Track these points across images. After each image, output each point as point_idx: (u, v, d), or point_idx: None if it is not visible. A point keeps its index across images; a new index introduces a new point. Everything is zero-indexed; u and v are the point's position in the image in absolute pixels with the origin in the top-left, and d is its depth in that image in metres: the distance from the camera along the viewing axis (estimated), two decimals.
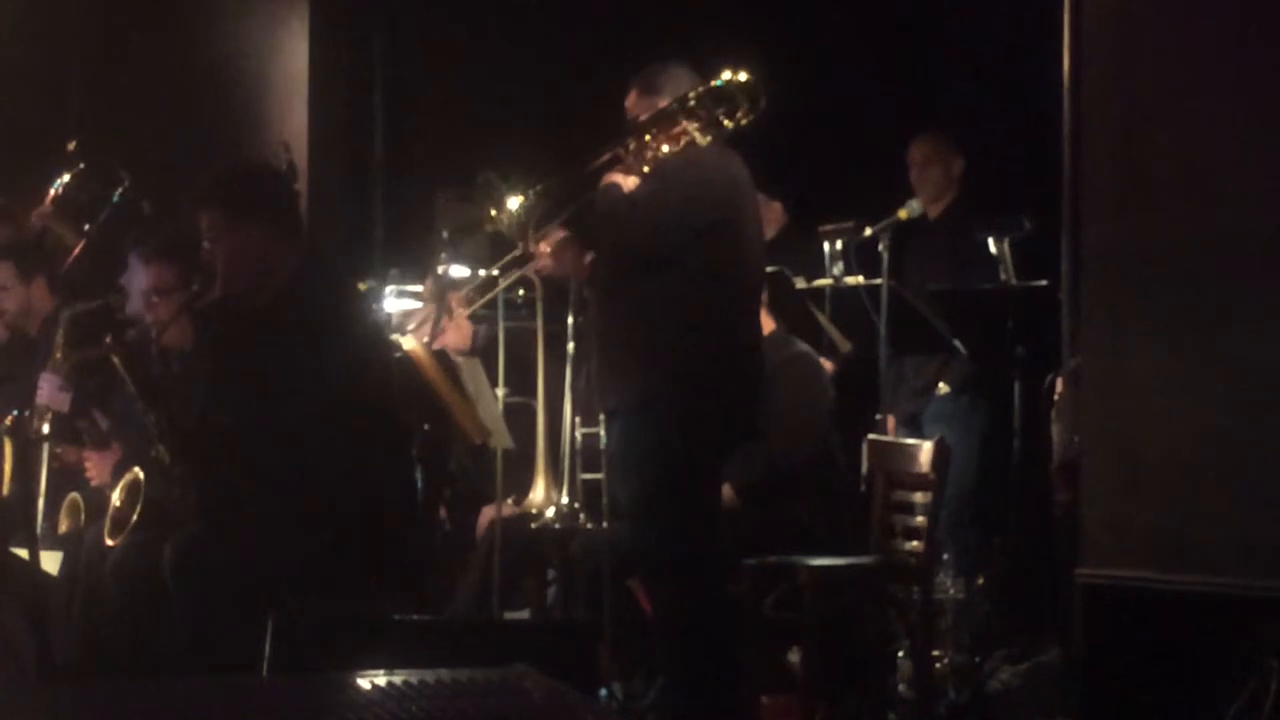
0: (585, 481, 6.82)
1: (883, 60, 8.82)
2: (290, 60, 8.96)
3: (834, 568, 6.18)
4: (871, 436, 6.89)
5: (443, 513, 7.33)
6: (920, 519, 6.34)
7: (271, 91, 8.95)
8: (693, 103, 5.46)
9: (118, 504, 6.02)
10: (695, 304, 5.43)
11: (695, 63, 5.68)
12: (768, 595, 6.29)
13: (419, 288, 7.43)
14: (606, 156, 5.48)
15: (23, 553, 5.83)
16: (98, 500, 6.34)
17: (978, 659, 6.72)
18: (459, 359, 6.76)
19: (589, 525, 6.71)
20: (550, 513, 6.80)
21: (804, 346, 6.84)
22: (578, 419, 6.84)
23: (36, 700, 2.82)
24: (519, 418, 6.92)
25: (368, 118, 9.77)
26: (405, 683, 2.65)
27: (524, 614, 7.19)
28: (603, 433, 6.63)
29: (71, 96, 8.35)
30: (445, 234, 7.64)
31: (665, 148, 5.47)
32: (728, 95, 5.43)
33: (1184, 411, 5.41)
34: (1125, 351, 5.59)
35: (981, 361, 7.43)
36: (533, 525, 6.82)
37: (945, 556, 7.25)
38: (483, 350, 7.14)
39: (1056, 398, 6.87)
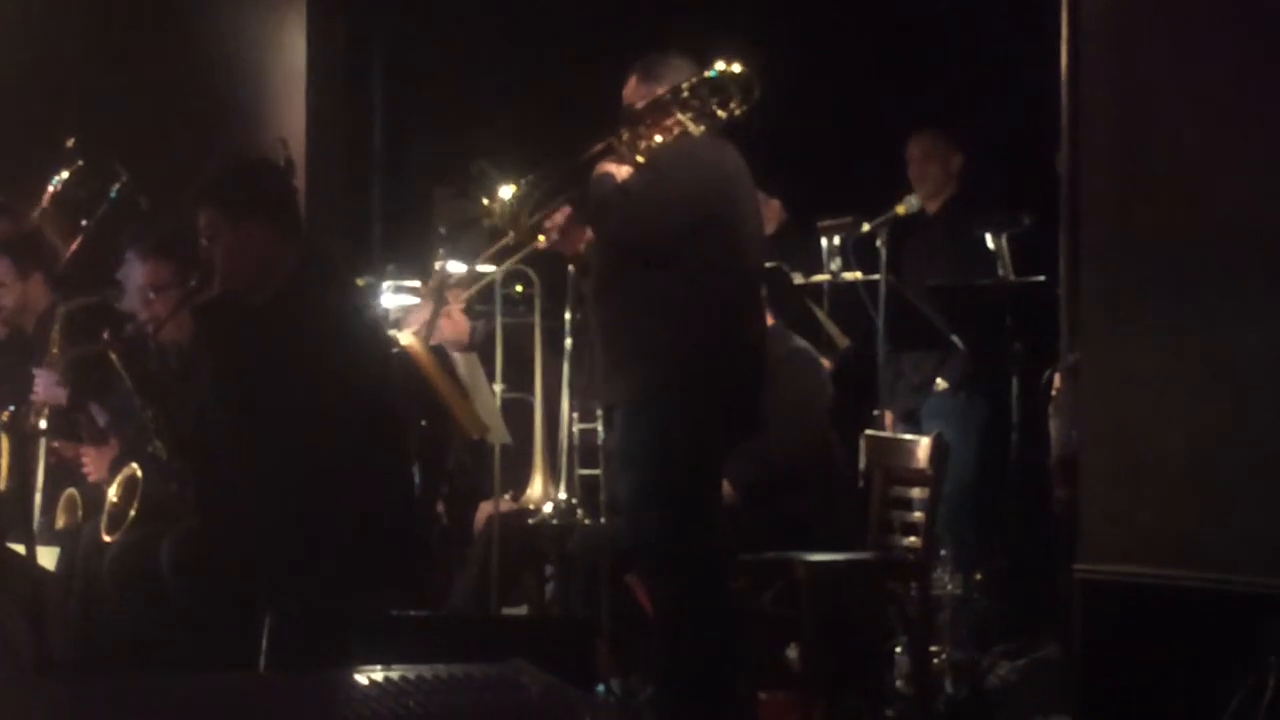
0: (583, 477, 6.82)
1: (881, 56, 8.82)
2: (288, 55, 8.95)
3: (832, 563, 6.18)
4: (869, 432, 6.89)
5: (440, 508, 7.32)
6: (918, 515, 6.34)
7: (269, 87, 8.94)
8: (686, 93, 5.45)
9: (114, 499, 6.01)
10: (695, 298, 5.42)
11: (692, 56, 5.67)
12: (766, 591, 6.29)
13: (417, 283, 7.43)
14: (600, 146, 5.48)
15: (20, 548, 5.84)
16: (95, 496, 6.33)
17: (976, 655, 6.73)
18: (456, 354, 6.75)
19: (587, 521, 6.71)
20: (548, 508, 6.80)
21: (802, 342, 6.84)
22: (575, 414, 6.83)
23: (34, 696, 2.81)
24: (516, 413, 6.92)
25: (366, 113, 9.77)
26: (403, 678, 2.65)
27: (522, 610, 7.19)
28: (600, 428, 6.63)
29: (69, 92, 8.33)
30: (443, 230, 7.64)
31: (659, 137, 5.47)
32: (721, 85, 5.43)
33: (1182, 407, 5.41)
34: (1123, 347, 5.59)
35: (980, 357, 7.44)
36: (530, 521, 6.81)
37: (943, 552, 7.25)
38: (480, 346, 7.13)
39: (1054, 393, 6.88)
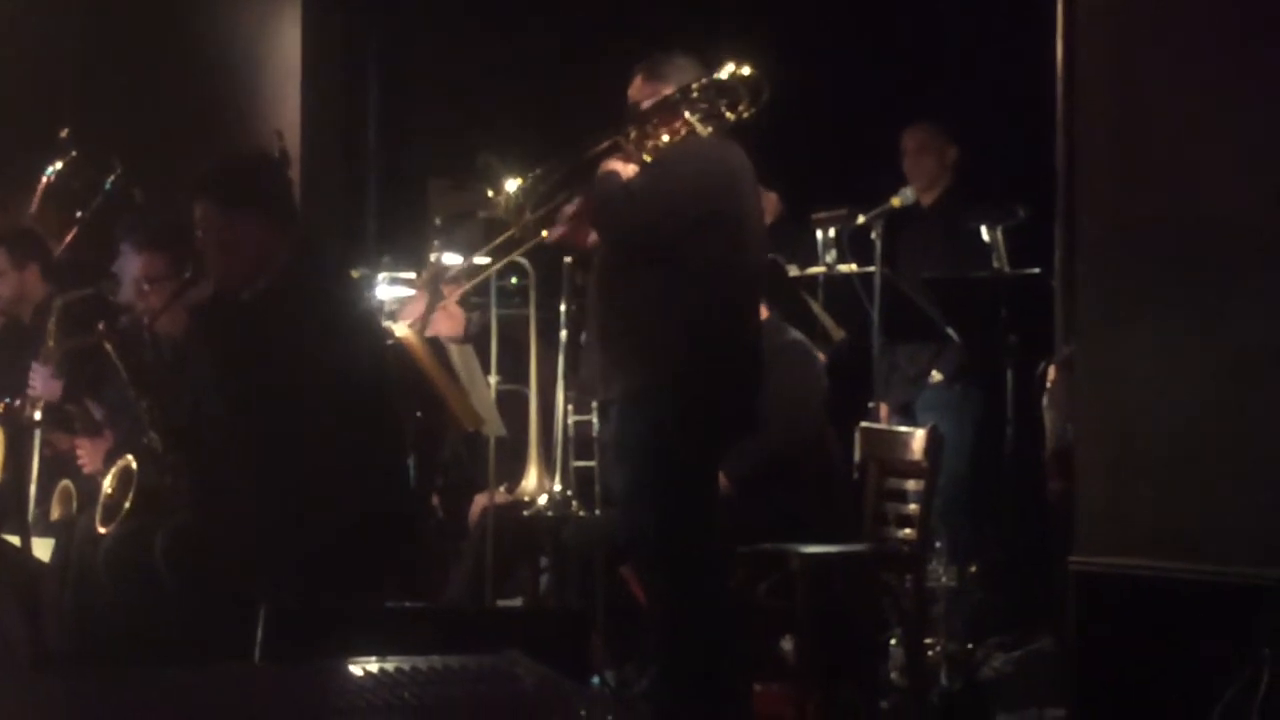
0: (578, 469, 6.82)
1: (876, 47, 8.82)
2: (283, 47, 8.94)
3: (827, 555, 6.19)
4: (864, 424, 6.90)
5: (435, 500, 7.33)
6: (913, 507, 6.35)
7: (265, 79, 8.93)
8: (696, 93, 5.45)
9: (109, 491, 6.01)
10: (697, 297, 5.41)
11: (689, 50, 5.67)
12: (761, 583, 6.30)
13: (412, 275, 7.43)
14: (607, 144, 5.47)
15: (15, 540, 5.84)
16: (90, 488, 6.33)
17: (970, 647, 6.73)
18: (452, 346, 6.75)
19: (582, 513, 6.72)
20: (543, 500, 6.81)
21: (797, 335, 6.84)
22: (570, 406, 6.84)
23: (29, 688, 2.81)
24: (512, 405, 6.92)
25: (361, 105, 9.76)
26: (398, 670, 2.65)
27: (516, 602, 7.20)
28: (595, 420, 6.63)
29: (65, 85, 8.33)
30: (438, 221, 7.64)
31: (666, 137, 5.47)
32: (730, 87, 5.43)
33: (1177, 399, 5.41)
34: (1118, 339, 5.59)
35: (975, 349, 7.44)
36: (525, 513, 6.82)
37: (938, 544, 7.26)
38: (475, 337, 7.13)
39: (1049, 385, 6.89)
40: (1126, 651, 5.28)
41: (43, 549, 6.10)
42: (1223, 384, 5.33)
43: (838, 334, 7.31)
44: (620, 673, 6.40)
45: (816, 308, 7.29)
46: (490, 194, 5.44)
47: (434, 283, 6.99)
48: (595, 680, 6.13)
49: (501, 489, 6.88)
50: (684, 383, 5.39)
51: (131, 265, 6.24)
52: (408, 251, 8.25)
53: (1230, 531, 5.26)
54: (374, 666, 2.66)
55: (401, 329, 6.52)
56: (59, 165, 7.73)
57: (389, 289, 7.46)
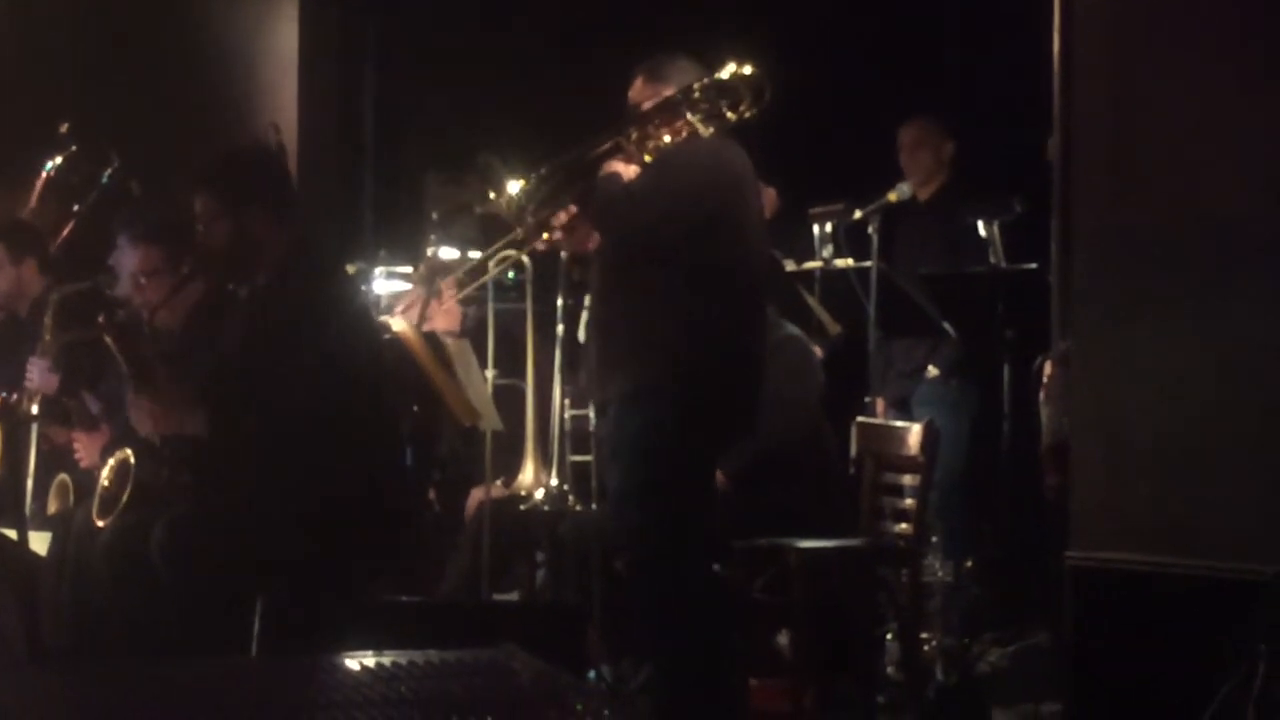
0: (574, 463, 6.83)
1: (874, 43, 8.82)
2: (280, 41, 8.95)
3: (823, 550, 6.19)
4: (861, 419, 6.90)
5: (432, 495, 7.33)
6: (909, 502, 6.35)
7: (261, 72, 8.94)
8: (697, 94, 5.44)
9: (106, 484, 6.01)
10: (696, 297, 5.39)
11: (687, 48, 5.67)
12: (757, 578, 6.30)
13: (408, 269, 7.43)
14: (608, 144, 5.46)
15: (12, 533, 5.84)
16: (87, 481, 6.33)
17: (966, 641, 6.74)
18: (448, 341, 6.75)
19: (578, 507, 6.72)
20: (539, 495, 6.81)
21: (793, 329, 6.84)
22: (567, 400, 6.84)
23: (26, 681, 2.82)
24: (508, 400, 6.92)
25: (358, 99, 9.76)
26: (394, 663, 2.65)
27: (513, 596, 7.20)
28: (592, 415, 6.63)
29: (63, 78, 8.33)
30: (435, 216, 7.64)
31: (667, 138, 5.46)
32: (732, 87, 5.42)
33: (1173, 394, 5.42)
34: (1114, 334, 5.60)
35: (971, 344, 7.44)
36: (522, 507, 6.82)
37: (934, 539, 7.27)
38: (472, 332, 7.14)
39: (1046, 380, 6.89)
40: (1122, 646, 5.29)
41: (40, 543, 6.10)
42: (1218, 379, 5.34)
43: (834, 329, 7.32)
44: (617, 667, 6.40)
45: (813, 302, 7.29)
46: (492, 195, 5.43)
47: (430, 277, 7.00)
48: (591, 675, 6.13)
49: (498, 483, 6.88)
50: (683, 383, 5.38)
51: (128, 259, 6.24)
52: (404, 246, 8.25)
53: (1226, 526, 5.27)
54: (370, 660, 2.67)
55: (398, 323, 6.52)
56: (58, 160, 7.73)
57: (385, 283, 7.46)
